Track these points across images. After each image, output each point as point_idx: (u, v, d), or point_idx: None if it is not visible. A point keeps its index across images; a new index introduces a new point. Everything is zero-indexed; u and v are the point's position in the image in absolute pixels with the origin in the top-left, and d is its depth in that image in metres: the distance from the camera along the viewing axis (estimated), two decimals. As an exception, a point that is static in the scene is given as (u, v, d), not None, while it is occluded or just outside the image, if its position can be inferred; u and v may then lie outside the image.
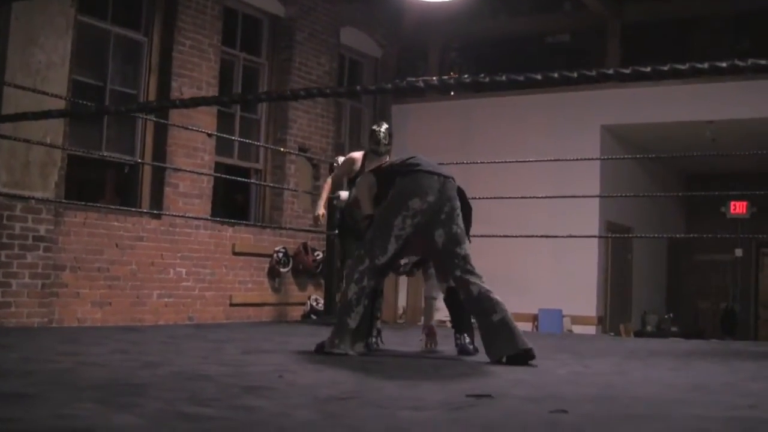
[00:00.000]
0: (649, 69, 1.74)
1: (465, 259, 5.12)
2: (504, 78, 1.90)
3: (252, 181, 10.27)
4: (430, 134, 12.05)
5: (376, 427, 2.75)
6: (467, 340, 5.64)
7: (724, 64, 1.68)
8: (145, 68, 9.02)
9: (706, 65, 1.67)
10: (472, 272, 5.11)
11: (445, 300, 5.76)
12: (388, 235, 5.09)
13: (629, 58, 12.25)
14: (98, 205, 8.13)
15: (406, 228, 5.08)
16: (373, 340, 5.73)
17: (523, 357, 4.88)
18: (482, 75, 2.06)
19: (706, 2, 12.49)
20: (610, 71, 1.82)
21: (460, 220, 5.18)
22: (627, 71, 1.78)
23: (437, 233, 5.11)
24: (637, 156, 12.38)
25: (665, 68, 1.72)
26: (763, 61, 1.76)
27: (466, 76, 2.17)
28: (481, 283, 5.09)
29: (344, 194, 9.27)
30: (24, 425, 2.48)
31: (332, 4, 11.30)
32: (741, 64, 1.68)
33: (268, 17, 10.64)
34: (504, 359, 4.91)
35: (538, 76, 1.89)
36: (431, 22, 12.80)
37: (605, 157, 11.27)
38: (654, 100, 11.43)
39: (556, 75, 2.05)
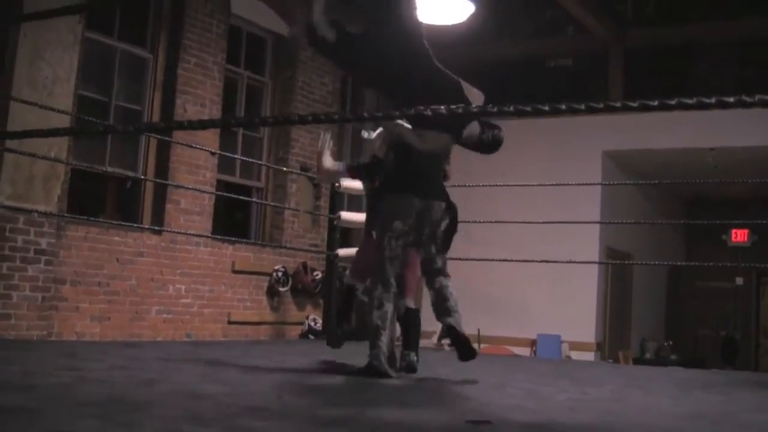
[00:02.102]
0: (656, 102, 1.75)
1: (440, 271, 5.46)
2: (512, 108, 1.92)
3: (253, 199, 10.28)
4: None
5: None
6: (414, 357, 5.78)
7: (731, 99, 1.70)
8: (149, 85, 9.05)
9: (713, 99, 1.69)
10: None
11: (399, 319, 5.89)
12: (382, 260, 5.34)
13: (631, 83, 12.30)
14: (100, 219, 8.13)
15: (394, 249, 5.32)
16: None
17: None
18: (490, 105, 2.07)
19: (709, 29, 12.54)
20: (617, 103, 1.84)
21: (439, 240, 5.44)
22: (634, 104, 1.79)
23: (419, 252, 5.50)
24: (639, 182, 12.40)
25: (672, 102, 1.74)
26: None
27: (474, 106, 2.18)
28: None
29: (345, 214, 9.29)
30: (24, 441, 2.48)
31: (337, 24, 11.33)
32: (748, 99, 1.70)
33: (272, 36, 10.69)
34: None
35: (546, 107, 1.90)
36: (434, 44, 12.82)
37: (606, 182, 11.28)
38: (656, 127, 11.46)
39: (563, 106, 2.06)
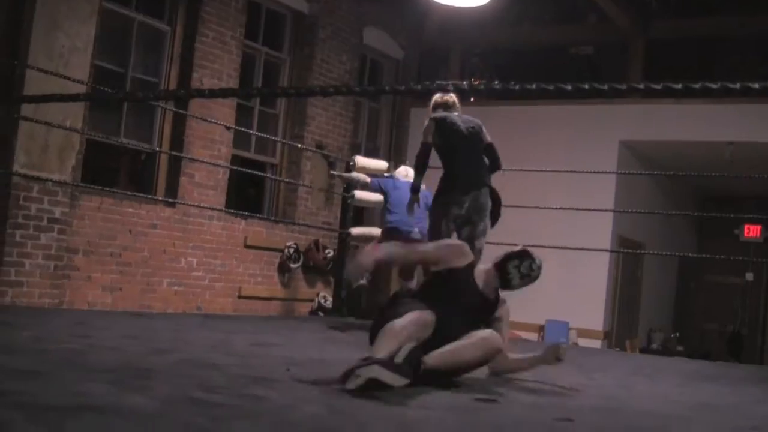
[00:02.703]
0: (680, 86, 1.76)
1: (480, 252, 6.57)
2: (534, 87, 1.92)
3: (267, 175, 10.29)
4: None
5: (385, 424, 2.77)
6: None
7: (756, 85, 1.70)
8: (167, 57, 9.05)
9: (738, 85, 1.69)
10: None
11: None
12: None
13: (652, 74, 12.23)
14: (114, 190, 8.15)
15: (450, 230, 6.58)
16: None
17: None
18: (512, 83, 2.08)
19: (732, 22, 12.45)
20: (641, 85, 1.84)
21: (486, 220, 6.83)
22: (657, 86, 1.79)
23: (465, 230, 6.67)
24: (654, 172, 12.36)
25: (696, 86, 1.74)
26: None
27: (496, 82, 2.18)
28: None
29: (359, 193, 9.32)
30: (38, 400, 2.51)
31: (356, 3, 11.31)
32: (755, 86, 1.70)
33: (292, 13, 10.67)
34: None
35: (568, 87, 1.91)
36: (454, 26, 12.79)
37: (621, 171, 11.25)
38: (674, 118, 11.41)
39: (569, 87, 2.07)
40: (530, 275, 4.42)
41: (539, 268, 4.45)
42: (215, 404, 2.84)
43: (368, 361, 3.45)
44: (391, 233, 7.96)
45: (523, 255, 4.46)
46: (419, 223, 7.88)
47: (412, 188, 7.13)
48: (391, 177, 8.75)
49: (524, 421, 3.11)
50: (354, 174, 8.93)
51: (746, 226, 14.89)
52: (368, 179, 8.73)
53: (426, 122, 7.23)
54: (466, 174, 7.07)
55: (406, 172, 8.57)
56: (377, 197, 10.39)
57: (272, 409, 2.87)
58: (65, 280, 7.62)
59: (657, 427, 3.26)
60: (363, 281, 8.74)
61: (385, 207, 8.40)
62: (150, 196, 8.59)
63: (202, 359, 4.14)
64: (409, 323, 3.83)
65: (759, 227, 14.81)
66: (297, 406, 3.00)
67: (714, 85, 1.74)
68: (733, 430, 3.32)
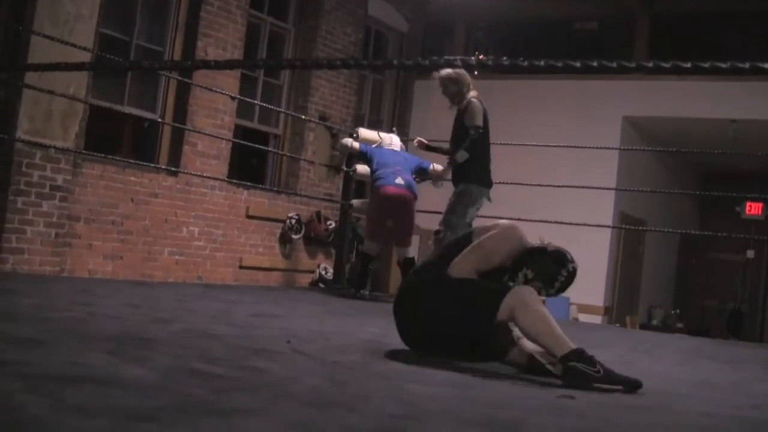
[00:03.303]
0: (689, 65, 1.74)
1: None
2: (543, 63, 1.91)
3: (270, 149, 10.28)
4: (451, 112, 11.99)
5: (384, 398, 2.78)
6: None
7: (746, 65, 1.68)
8: (171, 26, 9.01)
9: (747, 65, 1.68)
10: None
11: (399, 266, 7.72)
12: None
13: (657, 51, 12.17)
14: (117, 158, 8.14)
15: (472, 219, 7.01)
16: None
17: None
18: (521, 59, 2.07)
19: (740, -1, 12.39)
20: (650, 64, 1.82)
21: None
22: (667, 65, 1.78)
23: None
24: (657, 149, 12.34)
25: (705, 65, 1.73)
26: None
27: (504, 58, 2.16)
28: None
29: (361, 167, 9.30)
30: (39, 370, 2.51)
31: (362, -26, 11.26)
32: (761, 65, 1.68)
33: (298, -17, 10.62)
34: None
35: (577, 64, 1.89)
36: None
37: (624, 147, 11.23)
38: (678, 95, 11.37)
39: (577, 64, 2.06)
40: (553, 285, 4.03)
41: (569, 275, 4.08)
42: (215, 376, 2.84)
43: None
44: (377, 183, 8.22)
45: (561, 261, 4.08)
46: (404, 175, 8.23)
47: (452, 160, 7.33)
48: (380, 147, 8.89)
49: (525, 397, 3.12)
50: (345, 141, 8.93)
51: (748, 204, 14.91)
52: (356, 145, 8.77)
53: (475, 104, 7.23)
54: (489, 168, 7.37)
55: (390, 141, 8.94)
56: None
57: (273, 381, 2.87)
58: (66, 248, 7.63)
59: (657, 404, 3.26)
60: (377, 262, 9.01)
61: (371, 171, 8.48)
62: (152, 165, 8.57)
63: (203, 330, 4.15)
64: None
65: (760, 205, 14.82)
66: (297, 378, 3.00)
67: (723, 65, 1.72)
68: (733, 408, 3.33)
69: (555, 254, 4.09)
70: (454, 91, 7.35)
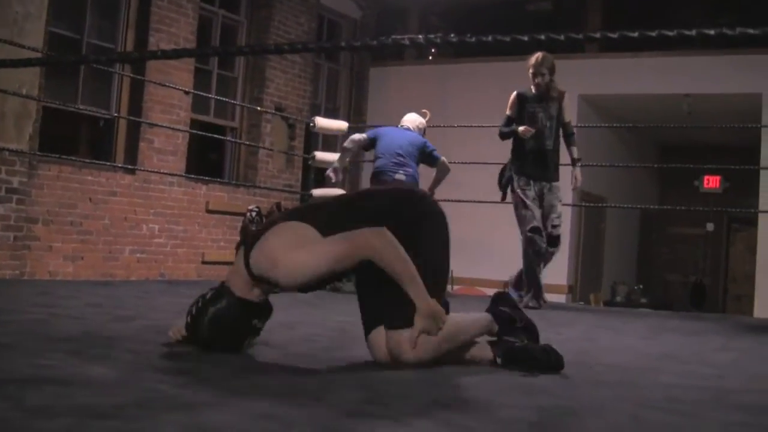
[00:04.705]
0: (636, 33, 1.75)
1: None
2: (491, 39, 1.90)
3: (228, 138, 10.22)
4: (408, 97, 12.01)
5: (349, 385, 2.77)
6: None
7: (711, 31, 1.69)
8: (122, 22, 8.92)
9: (694, 31, 1.68)
10: None
11: None
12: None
13: (611, 29, 12.22)
14: (73, 158, 8.05)
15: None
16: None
17: None
18: (468, 35, 2.06)
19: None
20: (597, 34, 1.82)
21: None
22: (614, 35, 1.78)
23: None
24: (614, 125, 12.42)
25: (653, 33, 1.73)
26: (707, 32, 1.77)
27: (452, 35, 2.15)
28: None
29: (320, 154, 9.27)
30: (-3, 373, 2.48)
31: (313, -37, 11.21)
32: (728, 32, 1.69)
33: (248, -26, 10.56)
34: None
35: (525, 38, 1.89)
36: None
37: (582, 125, 11.29)
38: (632, 71, 11.46)
39: (525, 38, 2.06)
40: None
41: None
42: (178, 370, 2.82)
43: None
44: (377, 177, 7.65)
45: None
46: (405, 168, 7.67)
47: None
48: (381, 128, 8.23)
49: (489, 378, 3.12)
50: (351, 138, 8.15)
51: (705, 177, 15.07)
52: (363, 135, 8.10)
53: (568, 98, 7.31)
54: None
55: (411, 120, 8.19)
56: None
57: (237, 373, 2.85)
58: (26, 250, 7.54)
59: (625, 380, 3.28)
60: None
61: (375, 156, 7.95)
62: (109, 163, 8.49)
63: (166, 326, 4.10)
64: None
65: (718, 178, 14.99)
66: (262, 369, 2.99)
67: (670, 32, 1.73)
68: (698, 379, 3.36)
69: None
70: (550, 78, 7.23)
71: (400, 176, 7.56)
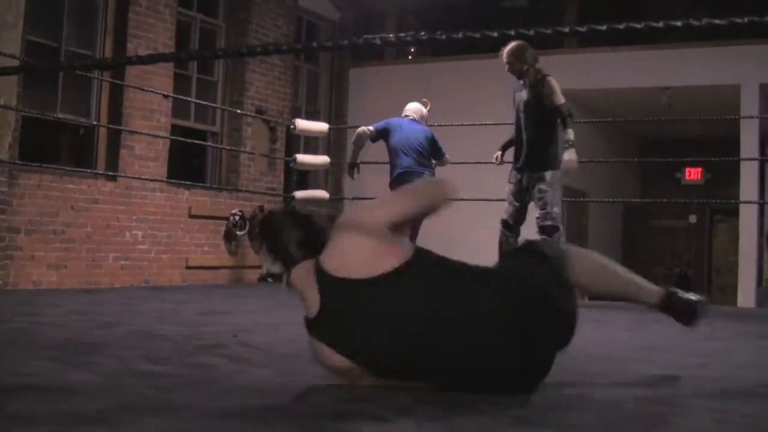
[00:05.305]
0: (604, 27, 1.76)
1: None
2: (461, 35, 1.92)
3: (208, 143, 10.20)
4: (388, 97, 11.98)
5: (331, 385, 2.77)
6: None
7: (657, 24, 1.71)
8: (100, 29, 8.88)
9: (661, 23, 1.70)
10: None
11: None
12: None
13: (586, 24, 12.25)
14: (53, 166, 8.02)
15: None
16: None
17: None
18: (439, 32, 2.07)
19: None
20: (566, 29, 1.84)
21: None
22: (583, 29, 1.79)
23: None
24: (594, 120, 12.45)
25: (620, 26, 1.75)
26: (676, 23, 1.79)
27: (422, 33, 2.16)
28: None
29: (301, 157, 9.27)
30: (-21, 382, 2.47)
31: (290, -35, 11.20)
32: (695, 22, 1.70)
33: (225, -22, 10.54)
34: None
35: (494, 33, 1.91)
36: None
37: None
38: (611, 66, 11.49)
39: (495, 34, 2.07)
40: None
41: None
42: (162, 374, 2.82)
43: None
44: (404, 178, 7.43)
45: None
46: (428, 167, 7.70)
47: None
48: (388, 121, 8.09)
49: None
50: (359, 131, 8.04)
51: (687, 170, 15.13)
52: (371, 128, 7.97)
53: (553, 81, 6.94)
54: None
55: (415, 109, 8.16)
56: (321, 160, 10.37)
57: (219, 376, 2.86)
58: (8, 260, 7.51)
59: (610, 370, 3.31)
60: None
61: (390, 150, 7.82)
62: (90, 171, 8.46)
63: (149, 331, 4.11)
64: None
65: (699, 170, 15.05)
66: (244, 371, 2.99)
67: (637, 25, 1.75)
68: (681, 369, 3.38)
69: None
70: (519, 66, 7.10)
71: (427, 177, 7.46)
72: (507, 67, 7.11)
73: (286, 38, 11.04)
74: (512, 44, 6.95)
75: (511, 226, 7.08)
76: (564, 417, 2.36)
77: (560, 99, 6.89)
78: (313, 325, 2.67)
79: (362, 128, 7.97)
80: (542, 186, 6.93)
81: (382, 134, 7.85)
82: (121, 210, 8.63)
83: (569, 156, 6.88)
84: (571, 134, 6.96)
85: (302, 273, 2.71)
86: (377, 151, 8.40)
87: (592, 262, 3.03)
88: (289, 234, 2.80)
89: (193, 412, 2.21)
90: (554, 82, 6.90)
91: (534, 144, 7.02)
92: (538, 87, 6.90)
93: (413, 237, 7.53)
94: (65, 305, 5.53)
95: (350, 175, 8.15)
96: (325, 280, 2.62)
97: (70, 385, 2.53)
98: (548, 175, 6.94)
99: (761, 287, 11.45)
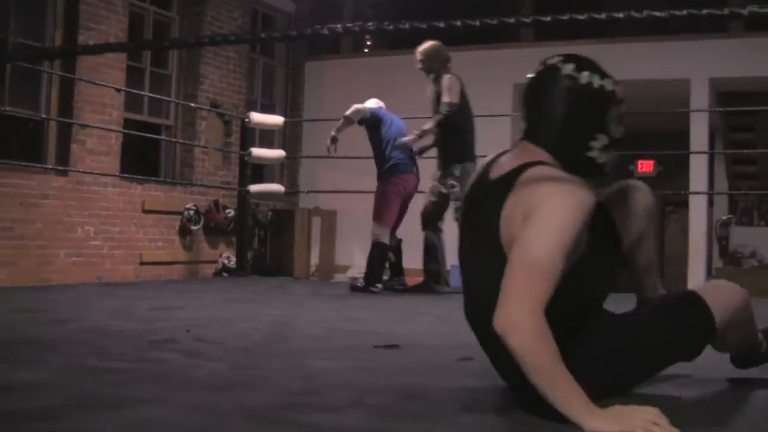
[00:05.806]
0: (567, 17, 1.76)
1: None
2: (425, 26, 1.91)
3: (162, 137, 10.11)
4: (345, 90, 11.96)
5: (285, 376, 2.76)
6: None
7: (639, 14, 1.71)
8: (51, 21, 8.75)
9: (622, 14, 1.70)
10: None
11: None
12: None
13: (544, 14, 12.31)
14: (1, 161, 7.88)
15: None
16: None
17: None
18: (403, 22, 2.06)
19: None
20: (528, 19, 1.84)
21: None
22: (546, 18, 1.79)
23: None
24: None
25: (582, 17, 1.75)
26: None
27: (386, 23, 2.15)
28: None
29: (256, 150, 9.22)
30: None
31: (244, -43, 11.13)
32: (659, 14, 1.71)
33: (178, -30, 10.44)
34: None
35: (458, 23, 1.90)
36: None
37: (516, 114, 11.38)
38: (565, 59, 11.56)
39: (458, 23, 2.06)
40: None
41: None
42: (113, 370, 2.79)
43: None
44: (398, 170, 7.61)
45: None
46: (415, 163, 7.79)
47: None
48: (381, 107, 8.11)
49: (424, 363, 3.14)
50: (357, 106, 7.90)
51: (639, 162, 15.28)
52: (368, 108, 7.93)
53: (448, 79, 7.14)
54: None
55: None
56: (276, 154, 10.33)
57: (172, 370, 2.83)
58: (-44, 257, 7.39)
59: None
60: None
61: (380, 141, 7.77)
62: (40, 165, 8.34)
63: (101, 327, 4.07)
64: None
65: (652, 162, 15.21)
66: (198, 365, 2.96)
67: (598, 15, 1.75)
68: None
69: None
70: (428, 66, 7.27)
71: (415, 168, 7.74)
72: (420, 65, 7.41)
73: (240, 30, 10.97)
74: (427, 44, 7.26)
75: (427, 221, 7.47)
76: (507, 404, 2.35)
77: (446, 97, 7.12)
78: None
79: (360, 105, 7.88)
80: (436, 184, 7.27)
81: (375, 122, 7.82)
82: (72, 205, 8.52)
83: (407, 139, 7.35)
84: (427, 125, 7.22)
85: None
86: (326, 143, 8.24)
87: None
88: None
89: (146, 406, 2.19)
90: (449, 81, 7.21)
91: (442, 144, 7.34)
92: (438, 85, 7.25)
93: (397, 224, 7.85)
94: (12, 303, 5.44)
95: (331, 147, 7.99)
96: None
97: (16, 383, 2.48)
98: (447, 174, 7.18)
99: (710, 276, 11.61)
